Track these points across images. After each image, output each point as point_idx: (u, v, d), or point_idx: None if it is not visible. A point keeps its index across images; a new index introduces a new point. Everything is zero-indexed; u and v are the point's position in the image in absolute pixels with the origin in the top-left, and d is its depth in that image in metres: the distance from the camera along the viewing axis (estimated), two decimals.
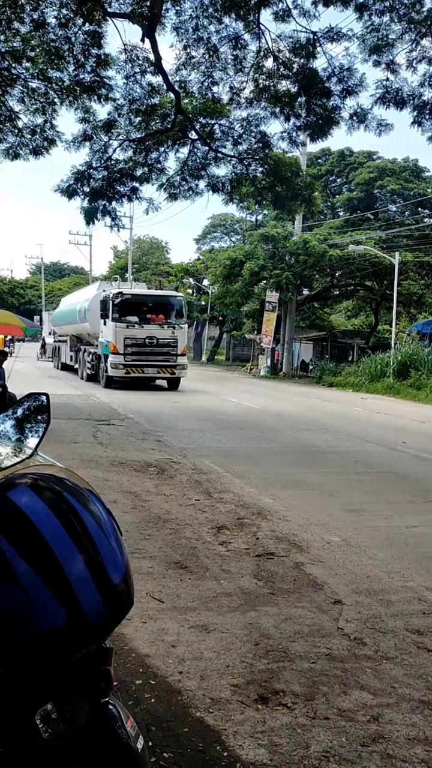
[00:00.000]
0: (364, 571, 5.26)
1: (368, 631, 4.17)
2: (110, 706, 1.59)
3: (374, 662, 3.76)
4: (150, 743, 2.92)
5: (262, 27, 13.71)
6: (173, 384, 22.66)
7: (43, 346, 41.99)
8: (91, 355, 24.52)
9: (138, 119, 15.65)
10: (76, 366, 27.97)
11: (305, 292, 36.10)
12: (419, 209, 43.79)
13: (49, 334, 40.68)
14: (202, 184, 17.22)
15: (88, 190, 16.16)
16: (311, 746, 2.97)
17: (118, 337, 21.21)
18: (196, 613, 4.32)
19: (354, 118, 14.51)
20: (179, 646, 3.87)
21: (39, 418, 2.17)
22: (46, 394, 2.26)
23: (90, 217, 16.69)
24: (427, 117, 14.42)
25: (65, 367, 31.01)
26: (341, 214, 46.78)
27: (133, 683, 3.44)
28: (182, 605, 4.44)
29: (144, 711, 3.19)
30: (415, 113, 14.23)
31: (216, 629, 4.10)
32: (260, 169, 17.03)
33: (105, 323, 21.74)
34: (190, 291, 50.34)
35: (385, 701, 3.36)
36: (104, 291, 22.86)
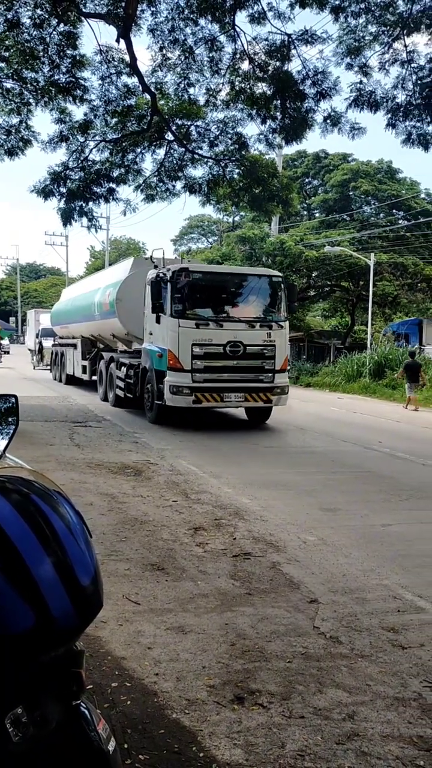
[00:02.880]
0: (340, 570, 5.29)
1: (344, 629, 4.20)
2: (82, 709, 1.58)
3: (349, 660, 3.78)
4: (126, 745, 2.91)
5: (237, 29, 13.78)
6: (260, 415, 14.33)
7: (40, 350, 32.72)
8: (125, 369, 15.64)
9: (114, 120, 15.65)
10: (90, 378, 19.98)
11: None
12: (393, 210, 44.20)
13: (37, 336, 34.72)
14: (179, 185, 17.28)
15: (64, 190, 16.10)
16: (287, 745, 2.98)
17: (182, 343, 12.58)
18: (172, 615, 4.31)
19: (328, 121, 14.61)
20: (155, 647, 3.86)
21: (7, 420, 2.15)
22: (15, 396, 2.25)
23: (67, 218, 16.64)
24: (400, 119, 14.57)
25: (72, 380, 22.90)
26: (317, 215, 47.08)
27: (108, 686, 3.43)
28: (159, 607, 4.44)
29: (120, 713, 3.18)
30: (389, 116, 14.37)
31: (192, 630, 4.10)
32: (237, 170, 17.10)
33: (158, 320, 13.10)
34: None
35: (360, 699, 3.39)
36: (153, 269, 14.08)
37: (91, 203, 16.66)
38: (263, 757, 2.90)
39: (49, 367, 28.63)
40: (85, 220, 16.79)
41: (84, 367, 20.62)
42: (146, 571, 5.08)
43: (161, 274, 13.13)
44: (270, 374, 13.19)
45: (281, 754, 2.92)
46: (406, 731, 3.13)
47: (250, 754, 2.91)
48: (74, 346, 22.01)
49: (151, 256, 15.00)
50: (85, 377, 20.52)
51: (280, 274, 14.77)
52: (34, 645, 1.36)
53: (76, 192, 16.15)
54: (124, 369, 15.69)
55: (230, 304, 13.51)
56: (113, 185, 16.66)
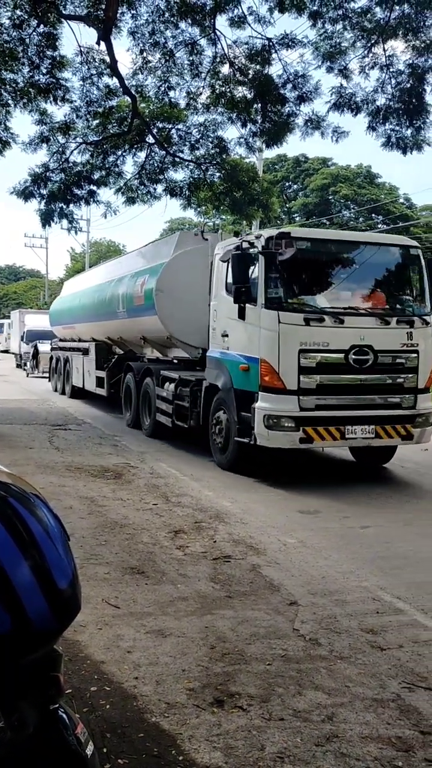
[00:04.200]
0: (320, 572, 5.31)
1: (323, 631, 4.22)
2: (60, 713, 1.58)
3: (329, 662, 3.80)
4: (105, 749, 2.90)
5: (218, 33, 13.79)
6: (379, 457, 9.82)
7: (36, 356, 27.79)
8: (172, 387, 11.07)
9: (95, 122, 15.59)
10: (108, 394, 15.13)
11: None
12: (372, 215, 44.55)
13: (22, 339, 31.30)
14: (159, 188, 17.24)
15: (45, 192, 16.02)
16: (266, 747, 2.99)
17: (285, 349, 8.41)
18: (152, 618, 4.30)
19: (309, 124, 14.68)
20: (135, 651, 3.85)
21: None
22: None
23: (46, 219, 16.54)
24: (380, 122, 14.69)
25: (79, 393, 18.25)
26: (297, 219, 47.29)
27: (87, 690, 3.41)
28: (138, 610, 4.43)
29: (99, 717, 3.17)
30: (369, 119, 14.48)
31: (172, 634, 4.09)
32: (217, 174, 17.12)
33: (242, 314, 8.87)
34: None
35: (339, 701, 3.40)
36: (232, 242, 9.67)
37: (71, 205, 16.58)
38: (243, 759, 2.90)
39: (47, 376, 23.93)
40: (65, 222, 16.70)
41: (99, 380, 15.67)
42: (126, 575, 5.07)
43: (248, 244, 8.91)
44: (411, 396, 8.80)
45: (261, 756, 2.93)
46: (384, 732, 3.15)
47: (230, 757, 2.91)
48: (84, 351, 17.36)
49: (202, 230, 11.51)
50: (101, 392, 15.49)
51: (418, 244, 9.71)
52: (11, 648, 1.36)
53: (57, 194, 16.07)
54: (169, 386, 10.97)
55: (352, 289, 9.15)
56: (94, 187, 16.57)
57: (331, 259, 9.28)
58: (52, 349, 22.50)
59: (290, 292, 8.75)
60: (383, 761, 2.93)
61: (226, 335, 9.44)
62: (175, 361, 12.01)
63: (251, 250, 8.88)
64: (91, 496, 7.50)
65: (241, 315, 8.84)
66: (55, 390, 20.92)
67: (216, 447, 9.61)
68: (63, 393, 19.97)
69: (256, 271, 8.75)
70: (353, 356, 8.46)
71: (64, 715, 1.58)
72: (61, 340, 21.33)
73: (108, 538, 5.97)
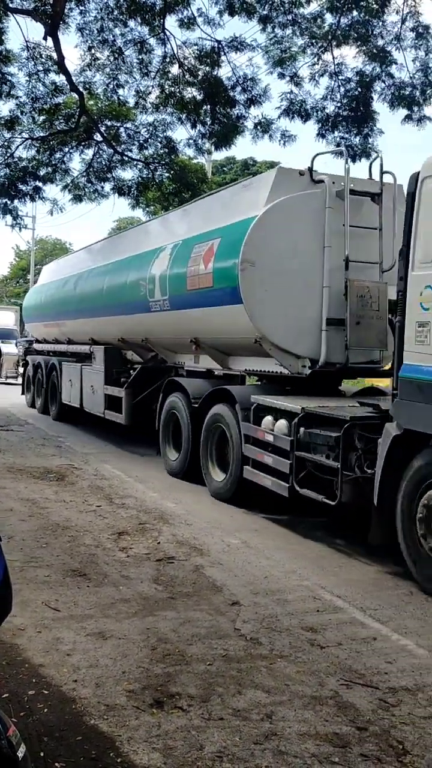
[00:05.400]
0: (262, 572, 5.35)
1: (264, 630, 4.25)
2: None
3: (269, 661, 3.83)
4: (42, 754, 2.86)
5: (167, 33, 13.78)
6: None
7: None
8: (289, 429, 6.47)
9: (42, 118, 15.37)
10: (129, 423, 10.67)
11: None
12: None
13: None
14: (107, 186, 17.13)
15: None
16: (205, 747, 2.99)
17: None
18: (93, 621, 4.26)
19: (258, 127, 14.79)
20: (75, 654, 3.80)
21: None
22: None
23: None
24: (329, 130, 14.90)
25: (69, 415, 13.65)
26: None
27: (25, 694, 3.35)
28: (79, 613, 4.38)
29: (36, 721, 3.12)
30: (319, 126, 14.66)
31: (113, 636, 4.06)
32: (166, 174, 17.09)
33: None
34: None
35: (278, 699, 3.44)
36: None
37: (16, 201, 16.31)
38: (181, 760, 2.90)
39: (11, 381, 19.33)
40: (9, 218, 16.42)
41: (113, 400, 11.03)
42: (67, 578, 5.00)
43: None
44: None
45: (199, 756, 2.93)
46: (322, 729, 3.19)
47: (168, 758, 2.90)
48: (82, 357, 13.07)
49: (309, 169, 7.38)
50: (116, 418, 10.86)
51: None
52: None
53: (1, 189, 15.77)
54: (279, 424, 6.69)
55: None
56: (40, 184, 16.35)
57: None
58: (26, 352, 18.23)
59: None
60: (320, 757, 2.97)
61: None
62: (258, 377, 8.51)
63: None
64: (33, 498, 7.37)
65: None
66: (32, 406, 16.34)
67: (408, 557, 5.23)
68: (45, 412, 15.07)
69: None
70: None
71: None
72: (39, 341, 17.16)
73: (49, 540, 5.89)
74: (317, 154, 7.59)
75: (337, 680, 3.65)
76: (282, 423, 6.61)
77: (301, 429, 6.27)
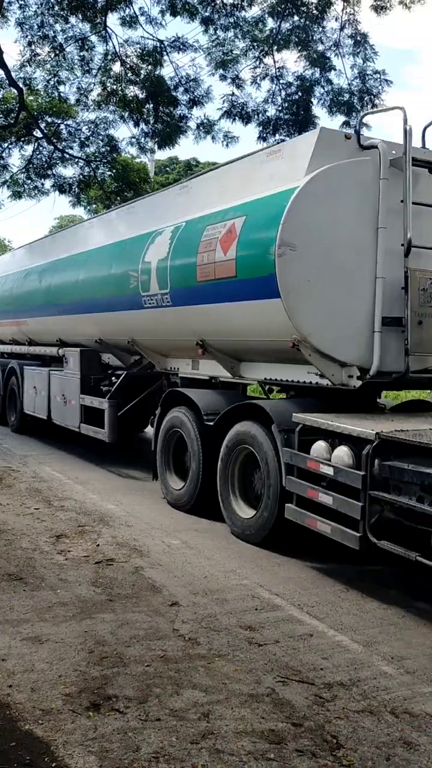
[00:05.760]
0: (202, 572, 5.37)
1: (203, 630, 4.27)
2: None
3: (207, 660, 3.85)
4: None
5: (109, 30, 13.71)
6: None
7: None
8: (358, 461, 4.94)
9: None
10: (113, 440, 9.22)
11: None
12: None
13: None
14: (48, 183, 16.90)
15: None
16: (142, 748, 2.99)
17: None
18: (29, 625, 4.20)
19: (201, 128, 14.85)
20: (9, 659, 3.74)
21: None
22: None
23: None
24: (270, 133, 15.07)
25: (33, 427, 12.05)
26: None
27: None
28: (15, 618, 4.30)
29: None
30: (261, 128, 14.82)
31: (50, 640, 4.01)
32: (108, 172, 16.98)
33: None
34: None
35: (215, 698, 3.46)
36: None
37: None
38: (117, 762, 2.88)
39: None
40: None
41: (93, 413, 9.53)
42: (3, 582, 4.91)
43: None
44: None
45: (136, 757, 2.92)
46: (258, 726, 3.23)
47: (104, 760, 2.89)
48: (52, 361, 11.38)
49: (357, 131, 6.05)
50: (98, 434, 9.38)
51: None
52: None
53: None
54: (343, 452, 5.13)
55: None
56: None
57: None
58: None
59: None
60: (256, 754, 3.00)
61: None
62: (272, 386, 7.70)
63: None
64: None
65: None
66: None
67: None
68: (2, 423, 13.12)
69: None
70: None
71: None
72: None
73: None
74: (366, 113, 6.64)
75: (273, 677, 3.70)
76: (343, 451, 5.12)
77: (376, 461, 4.84)
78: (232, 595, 4.91)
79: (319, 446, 5.37)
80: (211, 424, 6.82)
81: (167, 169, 48.75)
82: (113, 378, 9.64)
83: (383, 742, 3.13)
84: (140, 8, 13.40)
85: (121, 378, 9.32)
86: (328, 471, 5.15)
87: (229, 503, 6.57)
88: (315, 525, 5.30)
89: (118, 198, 17.52)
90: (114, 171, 16.67)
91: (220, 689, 3.54)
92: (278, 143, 6.59)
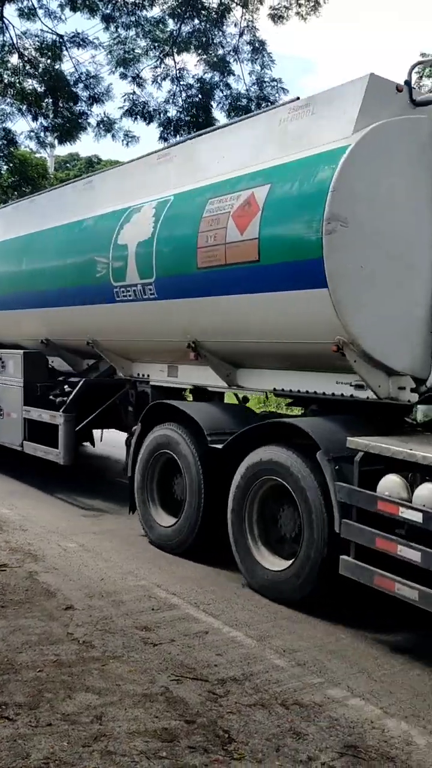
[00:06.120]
0: (99, 575, 5.32)
1: (98, 633, 4.23)
2: None
3: (101, 663, 3.82)
4: None
5: (6, 21, 13.33)
6: None
7: None
8: None
9: None
10: (59, 459, 7.65)
11: None
12: None
13: None
14: None
15: None
16: (32, 755, 2.93)
17: None
18: None
19: (101, 125, 14.71)
20: None
21: None
22: None
23: None
24: (171, 133, 15.11)
25: None
26: None
27: None
28: None
29: None
30: (162, 129, 14.83)
31: None
32: (5, 166, 16.51)
33: None
34: None
35: (109, 700, 3.44)
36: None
37: None
38: None
39: None
40: None
41: (38, 428, 8.07)
42: None
43: None
44: None
45: (25, 764, 2.87)
46: (151, 725, 3.24)
47: None
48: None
49: (408, 84, 4.84)
50: (52, 455, 7.79)
51: None
52: None
53: None
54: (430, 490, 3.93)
55: None
56: None
57: None
58: None
59: None
60: (148, 753, 3.01)
61: None
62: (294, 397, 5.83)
63: None
64: None
65: None
66: None
67: None
68: None
69: None
70: None
71: None
72: None
73: None
74: (417, 63, 5.56)
75: (168, 676, 3.72)
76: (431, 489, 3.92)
77: None
78: (128, 596, 4.90)
79: (392, 482, 4.12)
80: (220, 447, 5.42)
81: (68, 165, 47.88)
82: (66, 386, 8.05)
83: (273, 733, 3.22)
84: (39, 0, 13.12)
85: (78, 386, 7.68)
86: (415, 517, 3.89)
87: (249, 551, 5.11)
88: (392, 588, 4.00)
89: (15, 193, 17.07)
90: (11, 165, 16.23)
91: (113, 691, 3.53)
92: (297, 99, 5.33)
